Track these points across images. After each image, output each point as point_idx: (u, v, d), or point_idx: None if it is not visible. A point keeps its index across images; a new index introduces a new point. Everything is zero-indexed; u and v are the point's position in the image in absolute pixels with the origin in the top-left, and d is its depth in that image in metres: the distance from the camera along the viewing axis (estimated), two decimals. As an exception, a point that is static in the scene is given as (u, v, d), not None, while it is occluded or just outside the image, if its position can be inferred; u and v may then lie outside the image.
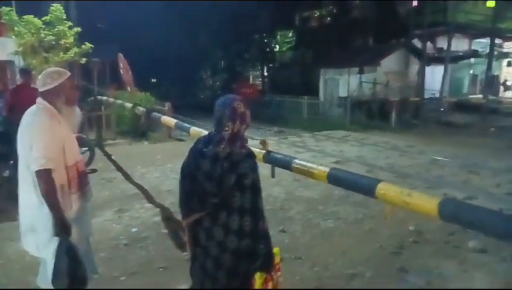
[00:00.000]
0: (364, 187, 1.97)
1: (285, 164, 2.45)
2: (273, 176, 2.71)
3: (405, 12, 17.59)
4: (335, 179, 2.11)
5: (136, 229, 4.58)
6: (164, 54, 24.97)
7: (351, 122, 14.23)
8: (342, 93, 16.46)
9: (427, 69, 16.48)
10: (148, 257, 3.87)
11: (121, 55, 12.02)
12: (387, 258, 3.90)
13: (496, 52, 19.65)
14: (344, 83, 16.55)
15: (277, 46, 27.77)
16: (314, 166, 2.28)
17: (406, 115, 14.38)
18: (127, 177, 6.98)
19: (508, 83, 21.40)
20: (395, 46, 17.83)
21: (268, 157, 2.56)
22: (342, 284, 3.42)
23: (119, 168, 7.57)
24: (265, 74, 27.76)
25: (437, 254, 3.98)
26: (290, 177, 6.38)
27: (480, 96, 18.03)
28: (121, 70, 11.86)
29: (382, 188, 1.85)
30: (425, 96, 15.99)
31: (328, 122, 14.54)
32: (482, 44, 19.93)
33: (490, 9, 18.15)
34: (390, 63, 16.50)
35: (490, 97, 17.19)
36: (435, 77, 16.29)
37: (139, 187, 6.27)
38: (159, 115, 4.68)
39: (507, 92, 22.25)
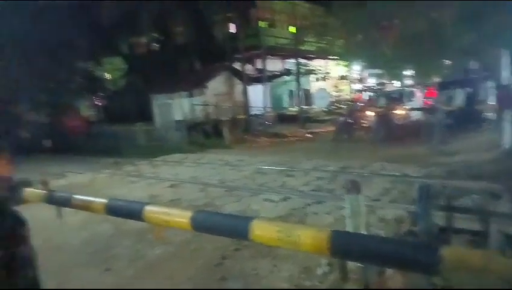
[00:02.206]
0: (134, 212, 2.04)
1: (67, 202, 2.34)
2: (59, 216, 2.55)
3: (223, 37, 19.13)
4: (110, 209, 2.13)
5: None
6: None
7: (188, 144, 14.57)
8: (177, 117, 16.76)
9: (250, 88, 18.23)
10: None
11: None
12: (210, 271, 4.11)
13: (303, 70, 23.15)
14: (177, 107, 16.89)
15: (107, 74, 26.46)
16: (92, 199, 2.25)
17: (236, 131, 15.57)
18: None
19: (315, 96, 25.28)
20: (219, 69, 19.19)
21: (50, 198, 2.40)
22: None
23: None
24: (98, 103, 26.10)
25: (254, 256, 4.39)
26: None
27: (297, 108, 20.83)
28: None
29: (148, 211, 1.95)
30: (251, 113, 17.64)
31: (165, 147, 14.53)
32: (293, 64, 23.16)
33: (293, 34, 21.35)
34: (217, 85, 17.68)
35: (303, 108, 20.07)
36: (257, 95, 18.13)
37: None
38: None
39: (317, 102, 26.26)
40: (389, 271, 3.07)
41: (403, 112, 13.82)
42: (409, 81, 23.24)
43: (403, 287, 3.22)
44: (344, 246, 1.44)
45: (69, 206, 2.32)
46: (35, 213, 1.94)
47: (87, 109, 27.71)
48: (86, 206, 2.24)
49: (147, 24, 22.45)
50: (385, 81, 24.01)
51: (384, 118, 13.48)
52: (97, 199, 2.20)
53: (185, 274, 4.08)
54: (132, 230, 5.53)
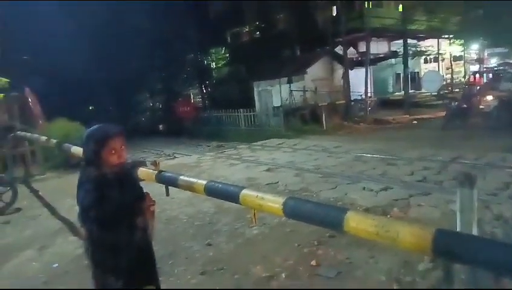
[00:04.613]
0: (232, 196, 2.13)
1: (174, 182, 2.57)
2: (167, 194, 2.81)
3: (325, 21, 18.65)
4: (210, 191, 2.26)
5: (57, 265, 4.46)
6: (99, 81, 24.41)
7: (286, 129, 14.73)
8: (276, 103, 17.02)
9: (352, 72, 17.54)
10: (68, 292, 3.79)
11: (27, 89, 11.64)
12: (304, 256, 4.14)
13: (412, 52, 21.40)
14: (276, 93, 17.13)
15: (212, 64, 28.10)
16: (195, 180, 2.41)
17: (335, 117, 15.20)
18: (53, 212, 6.74)
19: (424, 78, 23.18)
20: (319, 54, 18.85)
21: (160, 177, 2.66)
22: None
23: (46, 204, 7.29)
24: (204, 91, 27.92)
25: (350, 244, 4.28)
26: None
27: (403, 92, 19.42)
28: (30, 105, 11.48)
29: (244, 195, 2.02)
30: (352, 98, 17.00)
31: (264, 132, 14.93)
32: (400, 45, 21.55)
33: (401, 13, 19.80)
34: (316, 70, 17.41)
35: (411, 92, 18.62)
36: (359, 79, 17.37)
37: (65, 221, 6.07)
38: (70, 145, 4.62)
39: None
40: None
41: (533, 96, 11.90)
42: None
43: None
44: (450, 247, 1.29)
45: (175, 185, 2.54)
46: (148, 190, 2.18)
47: (195, 96, 29.92)
48: (189, 187, 2.43)
49: (250, 14, 23.08)
50: (511, 61, 20.85)
51: (508, 103, 11.80)
52: (199, 181, 2.36)
53: (279, 255, 4.18)
54: (232, 209, 5.85)
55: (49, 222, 6.24)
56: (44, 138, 6.14)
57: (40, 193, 8.09)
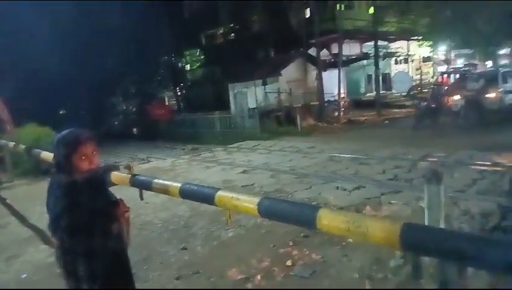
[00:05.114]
0: (207, 197, 2.15)
1: (148, 185, 2.56)
2: (141, 198, 2.79)
3: (298, 24, 18.89)
4: (185, 193, 2.27)
5: (25, 275, 4.32)
6: (71, 85, 23.76)
7: (262, 131, 14.81)
8: (251, 104, 17.10)
9: (325, 74, 17.84)
10: (37, 302, 3.69)
11: None
12: (279, 257, 4.17)
13: (382, 53, 21.95)
14: (252, 95, 17.22)
15: (187, 66, 27.91)
16: (169, 183, 2.42)
17: (309, 118, 15.43)
18: (23, 220, 6.52)
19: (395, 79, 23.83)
20: (293, 56, 19.09)
21: (134, 181, 2.64)
22: (235, 290, 3.60)
23: (14, 212, 7.04)
24: (179, 93, 27.67)
25: (323, 243, 4.36)
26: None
27: (374, 93, 19.88)
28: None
29: (219, 196, 2.05)
30: (326, 99, 17.28)
31: (240, 134, 14.96)
32: (371, 47, 22.04)
33: (372, 15, 20.27)
34: (290, 72, 17.63)
35: (382, 93, 19.10)
36: (332, 80, 17.69)
37: (35, 229, 5.89)
38: (39, 151, 4.49)
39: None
40: (472, 270, 2.85)
41: (497, 95, 12.44)
42: (505, 61, 20.77)
43: (488, 287, 2.97)
44: (417, 240, 1.36)
45: (149, 189, 2.54)
46: (121, 195, 2.16)
47: (170, 98, 29.61)
48: (164, 190, 2.43)
49: (225, 15, 23.07)
50: (476, 62, 21.73)
51: (474, 102, 12.29)
52: (173, 183, 2.37)
53: (254, 257, 4.20)
54: (207, 212, 5.83)
55: (19, 230, 6.03)
56: (12, 143, 5.94)
57: (8, 201, 7.80)
